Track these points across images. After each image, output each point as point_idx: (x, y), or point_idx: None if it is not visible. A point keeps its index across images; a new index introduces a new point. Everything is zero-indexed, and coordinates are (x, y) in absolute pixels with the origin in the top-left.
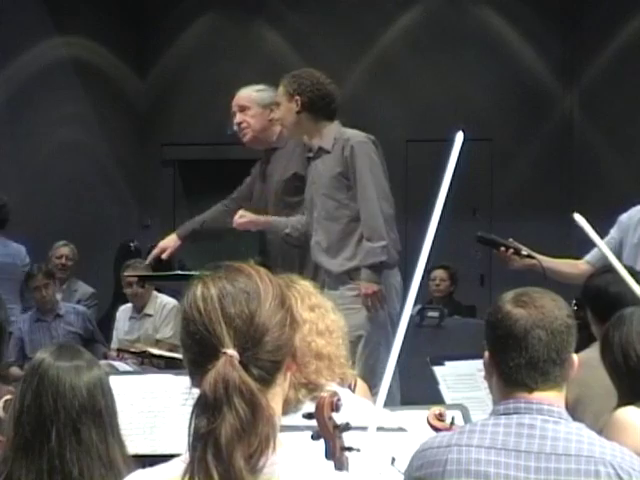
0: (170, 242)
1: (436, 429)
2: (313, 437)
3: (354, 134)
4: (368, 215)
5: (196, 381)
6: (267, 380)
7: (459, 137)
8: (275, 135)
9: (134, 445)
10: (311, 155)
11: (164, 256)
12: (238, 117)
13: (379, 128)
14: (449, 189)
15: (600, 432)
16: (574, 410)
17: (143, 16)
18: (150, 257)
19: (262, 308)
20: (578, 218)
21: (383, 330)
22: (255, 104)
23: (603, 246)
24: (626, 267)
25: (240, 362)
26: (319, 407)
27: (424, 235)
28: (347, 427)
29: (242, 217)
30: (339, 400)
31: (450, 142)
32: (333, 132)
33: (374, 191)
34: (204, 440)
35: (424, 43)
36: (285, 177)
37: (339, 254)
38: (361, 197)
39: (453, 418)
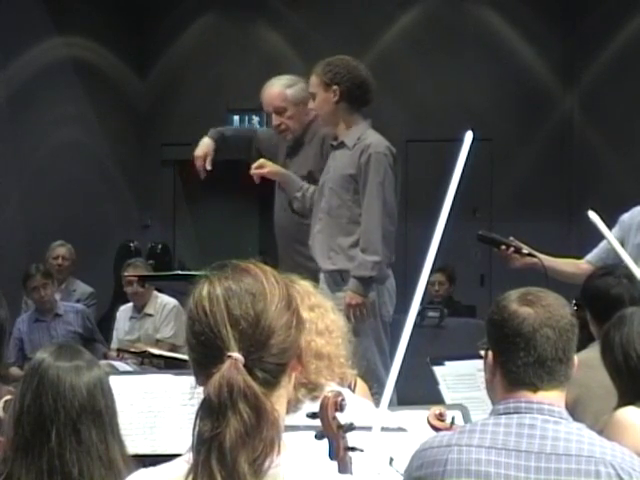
0: (206, 147)
1: (436, 429)
2: (317, 437)
3: (376, 142)
4: (368, 227)
5: (200, 380)
6: (272, 383)
7: (469, 136)
8: (307, 132)
9: (134, 445)
10: (335, 144)
11: (208, 164)
12: (275, 119)
13: (379, 128)
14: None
15: (600, 432)
16: (574, 410)
17: (143, 16)
18: (201, 171)
19: (268, 310)
20: (592, 216)
21: (374, 333)
22: (291, 104)
23: (616, 244)
24: (626, 270)
25: (245, 365)
26: (323, 407)
27: (424, 235)
28: (351, 427)
29: (261, 166)
30: (343, 400)
31: (450, 142)
32: (359, 131)
33: (380, 205)
34: (208, 444)
35: (424, 43)
36: (300, 173)
37: (331, 252)
38: (366, 208)
39: (453, 418)
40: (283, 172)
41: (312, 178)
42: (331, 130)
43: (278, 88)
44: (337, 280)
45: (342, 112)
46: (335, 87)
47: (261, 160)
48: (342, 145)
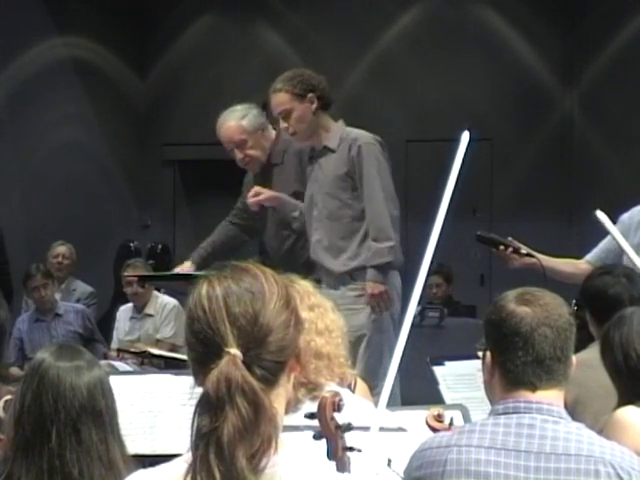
0: (185, 268)
1: (435, 430)
2: (315, 437)
3: (361, 135)
4: (375, 215)
5: (199, 380)
6: (270, 380)
7: (465, 137)
8: (274, 153)
9: (134, 445)
10: (315, 153)
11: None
12: (238, 154)
13: (379, 128)
14: (451, 190)
15: (600, 432)
16: (573, 410)
17: (143, 16)
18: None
19: (267, 308)
20: (600, 215)
21: (385, 330)
22: (249, 135)
23: (625, 244)
24: (625, 270)
25: (243, 362)
26: (321, 407)
27: (424, 235)
28: (349, 427)
29: (258, 194)
30: (341, 400)
31: (450, 142)
32: (339, 132)
33: (381, 192)
34: (206, 439)
35: (424, 43)
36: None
37: (341, 254)
38: (368, 198)
39: (452, 419)
40: (278, 196)
41: (297, 197)
42: (307, 143)
43: (234, 122)
44: (345, 280)
45: (320, 118)
46: (311, 95)
47: (256, 188)
48: (325, 151)
